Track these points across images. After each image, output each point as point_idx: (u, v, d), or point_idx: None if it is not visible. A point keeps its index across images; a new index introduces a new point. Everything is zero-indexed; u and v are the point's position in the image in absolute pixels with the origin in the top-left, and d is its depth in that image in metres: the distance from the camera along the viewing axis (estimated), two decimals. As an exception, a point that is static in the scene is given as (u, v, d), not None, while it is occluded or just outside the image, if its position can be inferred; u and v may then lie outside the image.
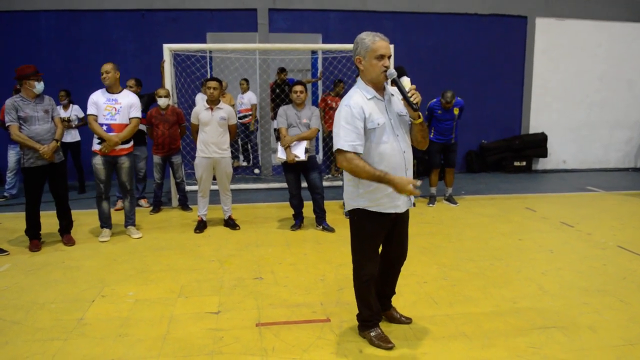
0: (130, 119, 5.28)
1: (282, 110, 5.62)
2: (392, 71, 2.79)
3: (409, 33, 9.71)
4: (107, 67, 5.21)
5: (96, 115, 5.16)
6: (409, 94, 2.73)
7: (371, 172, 2.74)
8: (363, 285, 3.06)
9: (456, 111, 6.91)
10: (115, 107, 5.20)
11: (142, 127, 6.66)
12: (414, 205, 3.05)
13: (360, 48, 2.84)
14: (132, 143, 5.44)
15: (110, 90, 5.24)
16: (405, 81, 2.83)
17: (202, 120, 5.58)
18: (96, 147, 5.23)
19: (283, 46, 8.03)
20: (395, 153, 2.85)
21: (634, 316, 3.49)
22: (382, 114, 2.84)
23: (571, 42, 10.42)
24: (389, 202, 2.89)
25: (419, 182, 2.71)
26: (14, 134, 4.81)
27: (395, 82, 2.78)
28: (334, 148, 2.84)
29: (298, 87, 5.55)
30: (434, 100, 6.93)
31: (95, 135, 5.24)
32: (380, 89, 2.90)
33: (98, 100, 5.19)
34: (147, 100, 6.67)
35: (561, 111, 10.65)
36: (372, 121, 2.79)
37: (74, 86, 7.99)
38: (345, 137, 2.77)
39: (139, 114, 5.38)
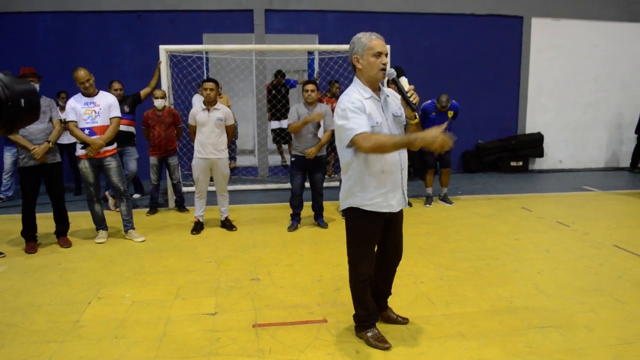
0: (110, 119, 5.24)
1: (293, 108, 5.70)
2: (390, 71, 2.79)
3: (405, 33, 9.72)
4: (86, 74, 5.08)
5: (76, 121, 5.11)
6: (408, 94, 2.74)
7: (394, 139, 2.64)
8: (359, 286, 3.06)
9: (450, 114, 6.92)
10: (94, 110, 5.14)
11: (131, 128, 6.65)
12: (410, 205, 3.05)
13: (357, 47, 2.83)
14: (115, 144, 5.41)
15: (87, 94, 5.18)
16: (404, 81, 2.79)
17: (199, 122, 5.58)
18: (80, 152, 5.20)
19: (279, 47, 8.02)
20: (393, 153, 2.84)
21: (630, 315, 3.50)
22: (379, 113, 2.84)
23: (567, 42, 10.45)
24: (384, 202, 2.89)
25: (444, 126, 2.55)
26: None
27: (394, 82, 2.78)
28: (346, 142, 2.75)
29: (309, 86, 5.62)
30: (429, 101, 6.94)
31: (78, 140, 5.21)
32: (376, 89, 2.89)
33: (76, 105, 5.12)
34: (132, 102, 6.66)
35: (557, 111, 10.69)
36: (372, 119, 2.78)
37: (72, 87, 7.96)
38: (356, 122, 2.69)
39: (119, 114, 5.35)
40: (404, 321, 3.38)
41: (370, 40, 2.79)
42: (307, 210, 6.16)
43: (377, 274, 3.23)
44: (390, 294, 3.40)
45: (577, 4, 10.32)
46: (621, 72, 10.74)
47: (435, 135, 2.52)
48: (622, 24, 10.54)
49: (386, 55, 2.84)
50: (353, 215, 2.98)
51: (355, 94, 2.83)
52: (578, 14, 10.36)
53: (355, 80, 2.91)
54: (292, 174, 5.81)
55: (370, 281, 3.10)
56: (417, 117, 2.90)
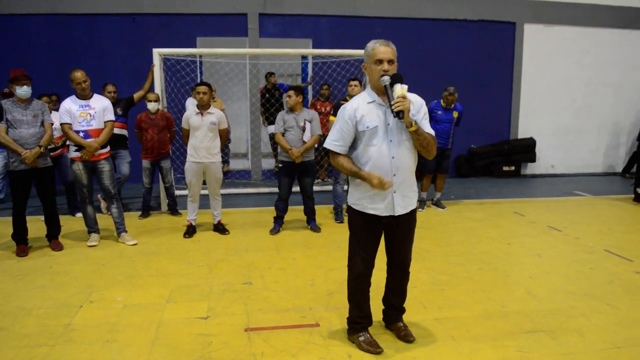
0: (105, 122, 5.24)
1: (279, 116, 5.80)
2: (384, 77, 2.81)
3: (398, 38, 9.58)
4: (83, 75, 5.09)
5: (70, 124, 5.10)
6: (393, 102, 2.73)
7: (348, 168, 2.94)
8: (353, 281, 3.12)
9: (455, 114, 6.97)
10: (89, 113, 5.14)
11: (123, 131, 6.61)
12: (397, 215, 2.97)
13: (365, 55, 2.93)
14: (109, 147, 5.41)
15: (82, 96, 5.17)
16: (397, 88, 2.79)
17: (193, 125, 5.57)
18: (74, 154, 5.18)
19: (273, 51, 8.04)
20: (383, 157, 2.86)
21: (621, 320, 3.53)
22: (377, 118, 2.88)
23: (558, 48, 10.55)
24: (369, 204, 2.96)
25: (386, 180, 2.82)
26: (0, 136, 4.80)
27: (385, 89, 2.81)
28: (325, 145, 3.05)
29: (290, 92, 5.75)
30: (434, 101, 6.98)
31: (71, 143, 5.19)
32: (384, 94, 2.87)
33: (71, 108, 5.10)
34: (125, 104, 6.63)
35: (549, 116, 10.77)
36: (363, 124, 2.89)
37: (65, 90, 7.93)
38: (331, 136, 3.00)
39: (113, 117, 5.35)
40: (411, 339, 3.18)
41: (374, 48, 2.86)
42: (299, 215, 6.16)
43: (387, 281, 3.27)
44: (401, 308, 3.30)
45: (568, 10, 10.42)
46: (611, 77, 10.85)
47: (372, 178, 2.81)
48: (612, 30, 10.65)
49: (390, 62, 2.83)
50: (349, 212, 3.11)
51: (358, 99, 3.00)
52: (569, 20, 10.46)
53: (368, 85, 3.03)
54: (280, 179, 5.86)
55: (367, 282, 3.13)
56: (414, 125, 2.81)
